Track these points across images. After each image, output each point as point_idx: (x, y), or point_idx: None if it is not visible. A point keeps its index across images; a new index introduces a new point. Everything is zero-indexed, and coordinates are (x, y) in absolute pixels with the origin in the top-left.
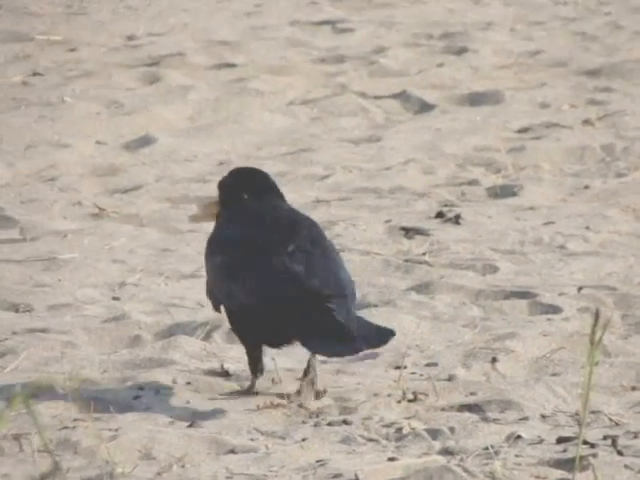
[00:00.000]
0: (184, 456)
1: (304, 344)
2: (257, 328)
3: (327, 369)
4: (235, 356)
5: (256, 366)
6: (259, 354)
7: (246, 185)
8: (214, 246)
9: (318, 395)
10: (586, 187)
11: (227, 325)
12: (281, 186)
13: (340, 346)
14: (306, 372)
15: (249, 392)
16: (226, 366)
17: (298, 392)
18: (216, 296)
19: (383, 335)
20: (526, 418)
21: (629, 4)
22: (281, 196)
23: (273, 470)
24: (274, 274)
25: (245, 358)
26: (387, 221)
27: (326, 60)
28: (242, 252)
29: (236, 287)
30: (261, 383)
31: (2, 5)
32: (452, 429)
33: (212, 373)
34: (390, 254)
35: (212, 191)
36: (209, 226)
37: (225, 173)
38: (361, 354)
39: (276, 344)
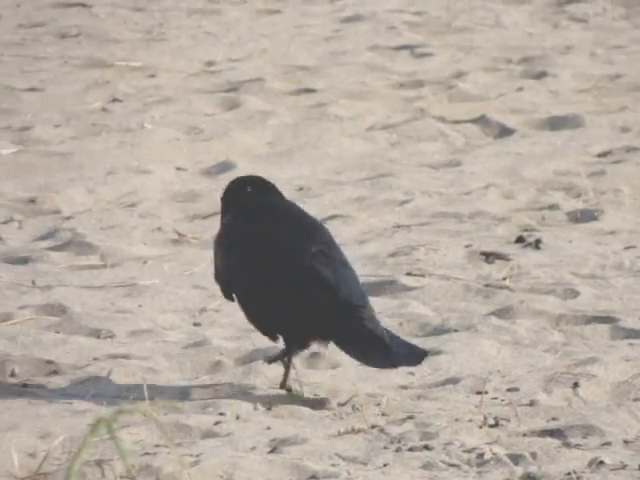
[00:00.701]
0: None
1: (345, 350)
2: (277, 325)
3: (408, 394)
4: (315, 381)
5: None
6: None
7: (248, 183)
8: (229, 237)
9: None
10: None
11: (308, 351)
12: (360, 211)
13: (377, 356)
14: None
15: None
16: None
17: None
18: (230, 285)
19: (418, 354)
20: (608, 443)
21: None
22: (282, 195)
23: None
24: (304, 279)
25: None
26: (467, 246)
27: (405, 85)
28: (262, 249)
29: (258, 287)
30: (342, 409)
31: (82, 32)
32: (534, 454)
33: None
34: (470, 279)
35: None
36: None
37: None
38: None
39: (295, 341)
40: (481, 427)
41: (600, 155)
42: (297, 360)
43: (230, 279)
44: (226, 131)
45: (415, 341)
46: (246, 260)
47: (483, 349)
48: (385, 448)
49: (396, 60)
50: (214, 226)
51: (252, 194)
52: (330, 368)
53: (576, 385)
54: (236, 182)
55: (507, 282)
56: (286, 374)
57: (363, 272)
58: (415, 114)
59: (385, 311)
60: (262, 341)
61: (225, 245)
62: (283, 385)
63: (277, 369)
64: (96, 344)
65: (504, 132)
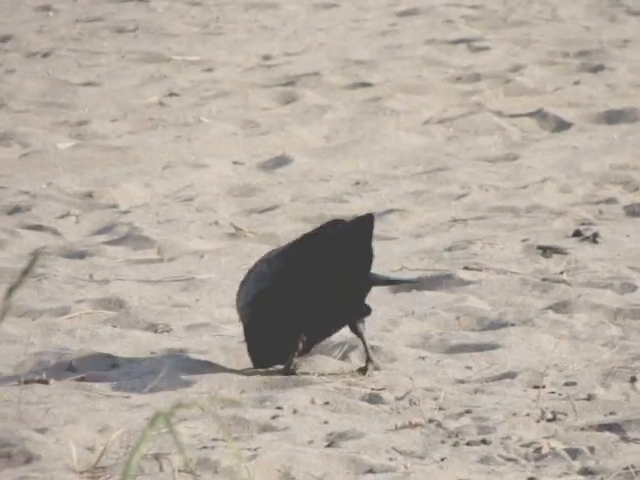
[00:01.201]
0: (323, 476)
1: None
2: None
3: (465, 388)
4: (371, 377)
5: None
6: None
7: None
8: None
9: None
10: None
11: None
12: (417, 206)
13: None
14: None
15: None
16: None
17: (363, 369)
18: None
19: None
20: None
21: None
22: None
23: None
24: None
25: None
26: (524, 240)
27: (462, 79)
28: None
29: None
30: (399, 403)
31: (139, 26)
32: (592, 449)
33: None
34: (527, 273)
35: (348, 211)
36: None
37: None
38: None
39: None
40: (538, 421)
41: None
42: (354, 355)
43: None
44: (283, 125)
45: (472, 336)
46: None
47: (540, 343)
48: (442, 442)
49: (453, 54)
50: (271, 220)
51: None
52: (387, 362)
53: (634, 379)
54: None
55: (564, 276)
56: (291, 361)
57: (419, 266)
58: (472, 108)
59: (442, 305)
60: None
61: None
62: (287, 371)
63: (335, 363)
64: (153, 338)
65: (561, 126)
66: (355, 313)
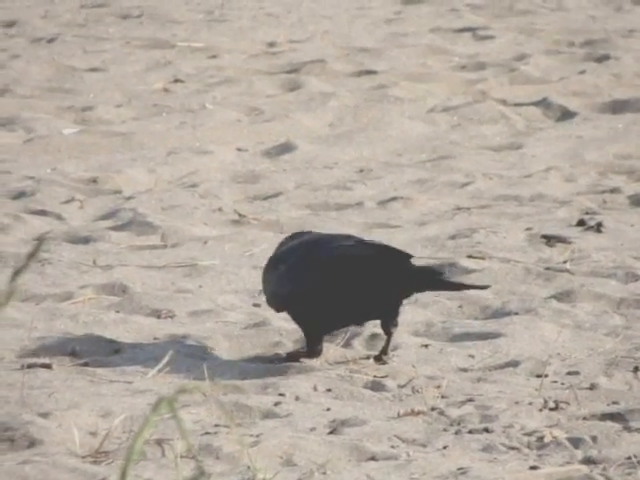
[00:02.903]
0: (326, 463)
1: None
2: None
3: (468, 376)
4: (374, 364)
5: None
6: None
7: None
8: (274, 261)
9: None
10: None
11: (367, 333)
12: (421, 194)
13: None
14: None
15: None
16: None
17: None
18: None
19: None
20: None
21: None
22: None
23: (414, 477)
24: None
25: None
26: (528, 229)
27: (467, 67)
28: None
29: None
30: (402, 391)
31: (143, 12)
32: (594, 438)
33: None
34: (531, 262)
35: (352, 199)
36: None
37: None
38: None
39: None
40: (541, 410)
41: None
42: (357, 342)
43: (285, 292)
44: (287, 112)
45: (475, 324)
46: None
47: (543, 332)
48: (445, 430)
49: (458, 42)
50: (274, 207)
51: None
52: (390, 350)
53: (637, 369)
54: None
55: (568, 265)
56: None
57: (423, 254)
58: (476, 96)
59: (445, 294)
60: None
61: (273, 267)
62: (295, 358)
63: (338, 350)
64: (156, 324)
65: (566, 115)
66: (387, 314)
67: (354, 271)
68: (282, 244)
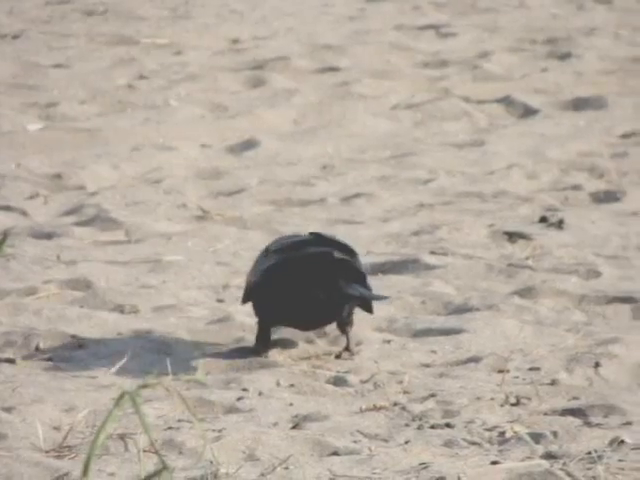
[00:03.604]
0: (288, 457)
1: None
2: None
3: (430, 372)
4: (336, 360)
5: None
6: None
7: None
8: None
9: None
10: None
11: (330, 329)
12: (384, 190)
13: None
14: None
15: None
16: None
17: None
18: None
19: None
20: (629, 423)
21: None
22: None
23: (376, 472)
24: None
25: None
26: (490, 225)
27: (429, 64)
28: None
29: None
30: (364, 386)
31: (108, 9)
32: (555, 433)
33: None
34: (493, 258)
35: (315, 195)
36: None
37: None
38: None
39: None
40: (502, 405)
41: (623, 136)
42: (319, 338)
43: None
44: (251, 109)
45: (438, 320)
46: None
47: (505, 328)
48: (407, 425)
49: (421, 39)
50: (238, 203)
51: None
52: (354, 346)
53: (597, 365)
54: None
55: (530, 262)
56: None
57: (386, 250)
58: (439, 94)
59: (408, 289)
60: None
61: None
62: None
63: (301, 346)
64: (120, 319)
65: (528, 112)
66: (334, 320)
67: (290, 274)
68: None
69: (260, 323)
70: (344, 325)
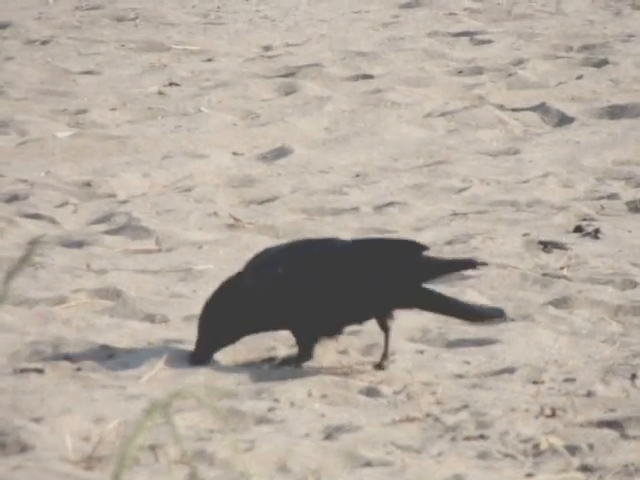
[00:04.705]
0: (320, 469)
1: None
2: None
3: (464, 383)
4: (369, 370)
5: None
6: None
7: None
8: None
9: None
10: None
11: (364, 340)
12: (417, 199)
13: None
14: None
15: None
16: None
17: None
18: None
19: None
20: None
21: None
22: None
23: None
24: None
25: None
26: (525, 235)
27: (464, 72)
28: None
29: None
30: (397, 397)
31: (138, 15)
32: (591, 446)
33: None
34: (528, 268)
35: (348, 203)
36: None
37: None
38: None
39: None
40: (537, 417)
41: None
42: (352, 348)
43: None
44: (283, 116)
45: (471, 330)
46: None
47: (540, 339)
48: (440, 437)
49: (455, 47)
50: (270, 212)
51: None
52: (390, 354)
53: (634, 376)
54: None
55: (565, 272)
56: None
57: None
58: (474, 101)
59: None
60: None
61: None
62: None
63: (334, 356)
64: (150, 328)
65: (563, 120)
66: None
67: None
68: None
69: (309, 334)
70: (387, 321)
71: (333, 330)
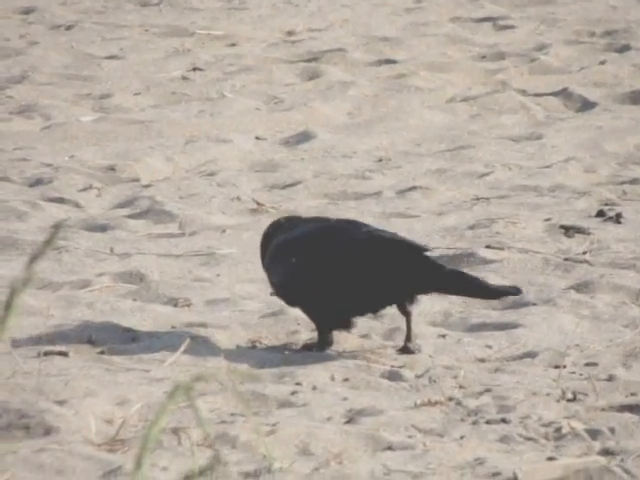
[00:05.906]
0: (342, 452)
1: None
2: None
3: (485, 367)
4: (391, 354)
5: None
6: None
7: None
8: (282, 252)
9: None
10: None
11: (386, 324)
12: (439, 184)
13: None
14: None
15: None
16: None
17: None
18: (296, 292)
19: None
20: None
21: None
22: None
23: (431, 468)
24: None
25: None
26: (547, 219)
27: (487, 57)
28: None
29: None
30: (419, 381)
31: (163, 0)
32: (612, 429)
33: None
34: (550, 253)
35: (370, 188)
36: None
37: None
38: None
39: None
40: (559, 401)
41: None
42: (374, 332)
43: (295, 285)
44: (306, 101)
45: (493, 314)
46: (309, 262)
47: (561, 323)
48: (462, 420)
49: (478, 32)
50: (292, 196)
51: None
52: (414, 337)
53: None
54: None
55: (587, 256)
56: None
57: (441, 244)
58: (496, 86)
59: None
60: None
61: (280, 259)
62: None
63: (355, 340)
64: (173, 312)
65: (586, 105)
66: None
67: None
68: (280, 228)
69: (321, 323)
70: (407, 306)
71: (347, 320)
